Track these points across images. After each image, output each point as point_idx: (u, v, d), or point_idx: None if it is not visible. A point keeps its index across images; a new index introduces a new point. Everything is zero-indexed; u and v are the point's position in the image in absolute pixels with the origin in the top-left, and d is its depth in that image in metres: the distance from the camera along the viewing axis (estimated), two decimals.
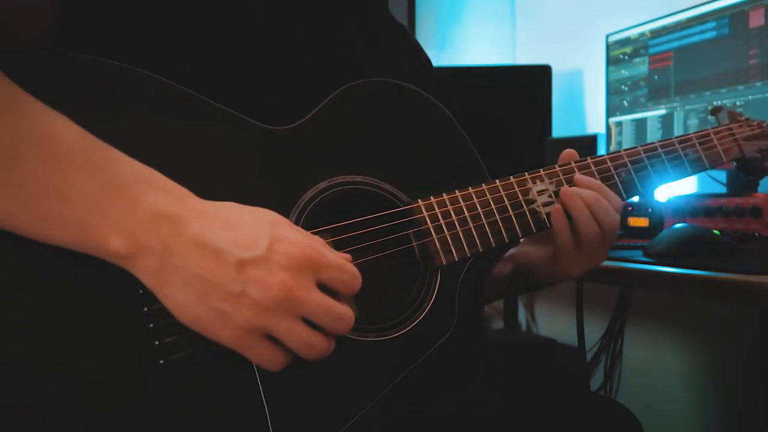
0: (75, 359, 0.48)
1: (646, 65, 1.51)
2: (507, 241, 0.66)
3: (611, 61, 1.62)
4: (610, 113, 1.63)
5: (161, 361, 0.50)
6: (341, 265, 0.51)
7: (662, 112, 1.47)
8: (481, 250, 0.64)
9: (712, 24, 1.34)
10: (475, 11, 2.53)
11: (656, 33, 1.49)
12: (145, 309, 0.50)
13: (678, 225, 1.04)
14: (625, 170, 0.73)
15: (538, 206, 0.68)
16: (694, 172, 0.77)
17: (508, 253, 0.79)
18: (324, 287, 0.51)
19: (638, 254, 1.00)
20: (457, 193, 0.65)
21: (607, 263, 0.85)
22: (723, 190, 1.26)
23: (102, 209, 0.47)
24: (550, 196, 0.69)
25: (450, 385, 0.61)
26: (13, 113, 0.47)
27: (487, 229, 0.65)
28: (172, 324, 0.49)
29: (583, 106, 2.01)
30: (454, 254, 0.63)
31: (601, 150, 1.69)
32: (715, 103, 1.34)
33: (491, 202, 0.66)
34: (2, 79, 0.48)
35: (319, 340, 0.50)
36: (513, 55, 2.32)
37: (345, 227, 0.60)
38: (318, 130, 0.61)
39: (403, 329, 0.59)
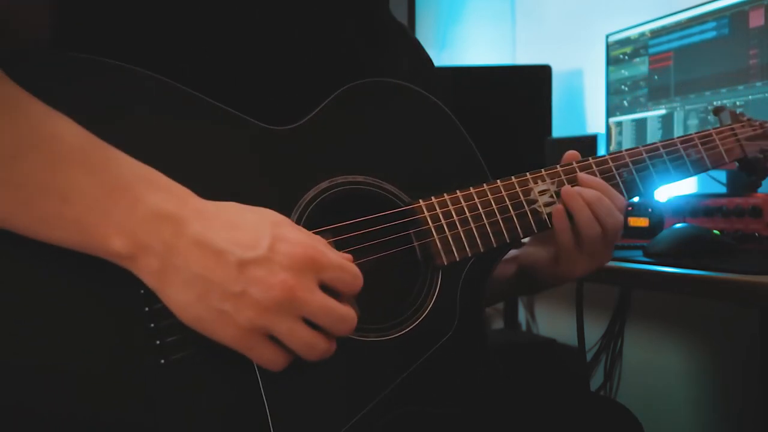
0: (75, 359, 0.48)
1: (646, 65, 1.51)
2: (508, 241, 0.66)
3: (611, 61, 1.62)
4: (610, 113, 1.63)
5: (162, 361, 0.50)
6: (343, 265, 0.51)
7: (662, 112, 1.47)
8: (482, 250, 0.64)
9: (712, 24, 1.34)
10: (475, 11, 2.53)
11: (656, 33, 1.49)
12: (147, 309, 0.50)
13: (678, 225, 1.04)
14: (627, 170, 0.73)
15: (540, 206, 0.68)
16: (696, 173, 0.77)
17: (512, 255, 0.79)
18: (326, 288, 0.51)
19: (638, 254, 1.00)
20: (459, 192, 0.65)
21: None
22: (723, 190, 1.26)
23: (103, 209, 0.47)
24: (551, 196, 0.69)
25: (451, 385, 0.61)
26: (14, 113, 0.47)
27: (489, 229, 0.65)
28: (174, 324, 0.49)
29: (583, 106, 2.01)
30: (456, 254, 0.63)
31: (601, 150, 1.69)
32: (715, 103, 1.34)
33: (492, 202, 0.66)
34: (3, 79, 0.48)
35: (320, 341, 0.50)
36: (513, 55, 2.32)
37: (346, 227, 0.60)
38: (319, 130, 0.61)
39: (404, 329, 0.59)
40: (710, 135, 0.79)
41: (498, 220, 0.66)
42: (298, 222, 0.57)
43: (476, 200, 0.65)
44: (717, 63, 1.33)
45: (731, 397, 1.54)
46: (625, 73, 1.58)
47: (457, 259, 0.63)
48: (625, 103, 1.58)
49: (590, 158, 0.72)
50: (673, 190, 1.27)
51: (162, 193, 0.49)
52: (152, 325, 0.50)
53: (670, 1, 1.55)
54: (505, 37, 2.35)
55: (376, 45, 0.73)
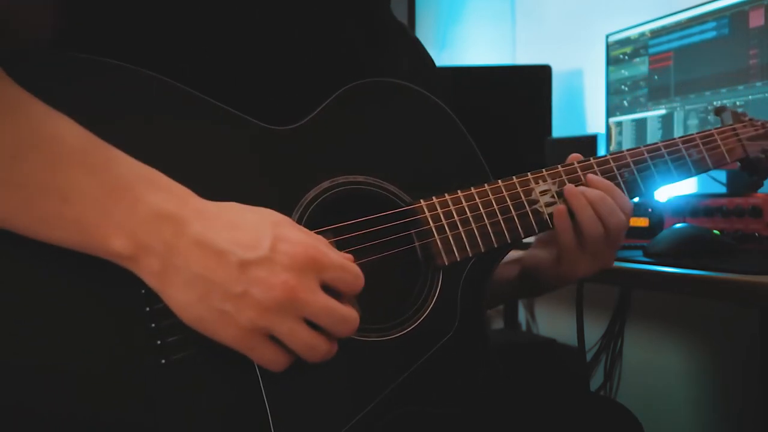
0: (75, 359, 0.48)
1: (646, 65, 1.51)
2: (509, 241, 0.66)
3: (611, 61, 1.62)
4: (610, 113, 1.63)
5: (163, 361, 0.50)
6: (344, 264, 0.51)
7: (662, 112, 1.47)
8: (483, 250, 0.64)
9: (712, 24, 1.34)
10: (475, 11, 2.53)
11: (656, 33, 1.49)
12: (148, 309, 0.50)
13: (678, 225, 1.04)
14: (628, 170, 0.73)
15: (541, 206, 0.68)
16: (697, 173, 0.77)
17: (515, 257, 0.79)
18: (327, 288, 0.50)
19: (638, 254, 1.00)
20: (460, 193, 0.65)
21: None
22: (723, 190, 1.26)
23: (103, 209, 0.47)
24: (552, 197, 0.69)
25: (451, 385, 0.61)
26: (15, 113, 0.47)
27: (489, 230, 0.65)
28: (175, 324, 0.49)
29: (583, 106, 2.01)
30: (456, 254, 0.63)
31: (601, 150, 1.69)
32: (715, 103, 1.34)
33: (493, 202, 0.66)
34: (4, 79, 0.48)
35: (321, 342, 0.50)
36: (513, 55, 2.32)
37: (347, 227, 0.60)
38: (320, 130, 0.61)
39: (405, 329, 0.59)
40: (712, 135, 0.79)
41: (499, 220, 0.66)
42: (299, 222, 0.57)
43: (477, 200, 0.65)
44: (717, 63, 1.33)
45: (731, 397, 1.54)
46: (625, 73, 1.58)
47: (458, 259, 0.63)
48: (625, 103, 1.58)
49: (592, 158, 0.72)
50: (673, 190, 1.27)
51: (162, 193, 0.49)
52: (153, 324, 0.50)
53: (670, 1, 1.55)
54: (505, 37, 2.35)
55: (376, 45, 0.73)
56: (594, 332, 1.68)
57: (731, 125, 0.83)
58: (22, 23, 0.52)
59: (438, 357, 0.60)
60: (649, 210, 1.18)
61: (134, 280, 0.49)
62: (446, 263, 0.63)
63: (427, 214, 0.63)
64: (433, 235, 0.63)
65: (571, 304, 1.50)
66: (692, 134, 0.78)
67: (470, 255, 0.64)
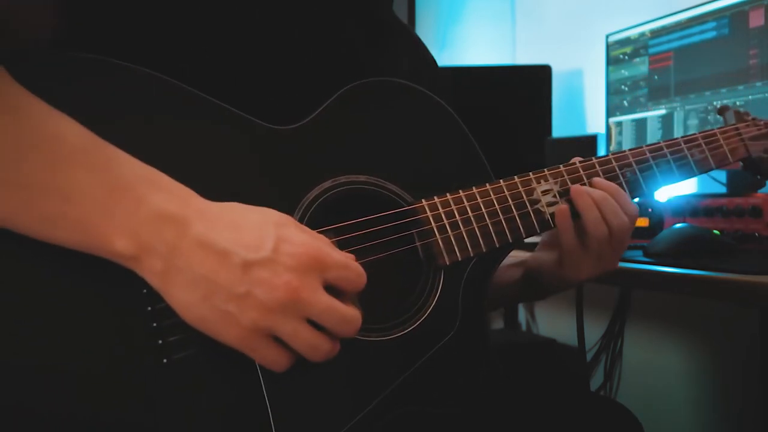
0: (76, 359, 0.48)
1: (646, 65, 1.51)
2: (511, 240, 0.66)
3: (611, 61, 1.62)
4: (610, 113, 1.63)
5: (164, 360, 0.50)
6: (347, 263, 0.51)
7: (662, 112, 1.47)
8: (484, 250, 0.64)
9: (712, 24, 1.34)
10: (475, 11, 2.53)
11: (656, 33, 1.49)
12: (149, 308, 0.50)
13: (678, 225, 1.04)
14: (630, 170, 0.72)
15: (542, 206, 0.68)
16: (699, 173, 0.77)
17: (519, 259, 0.79)
18: (330, 288, 0.51)
19: (638, 254, 1.00)
20: (461, 193, 0.65)
21: None
22: (723, 190, 1.26)
23: (105, 209, 0.47)
24: (554, 196, 0.69)
25: (452, 385, 0.61)
26: (16, 113, 0.47)
27: (491, 230, 0.65)
28: (176, 323, 0.49)
29: (583, 106, 2.01)
30: (458, 254, 0.63)
31: (601, 150, 1.69)
32: (715, 103, 1.34)
33: (495, 202, 0.66)
34: (6, 79, 0.48)
35: (323, 341, 0.50)
36: (513, 55, 2.32)
37: (348, 227, 0.60)
38: (322, 129, 0.61)
39: (406, 329, 0.59)
40: (714, 135, 0.79)
41: (500, 219, 0.66)
42: (300, 221, 0.57)
43: (479, 200, 0.65)
44: (717, 63, 1.33)
45: (731, 397, 1.54)
46: (625, 73, 1.58)
47: (460, 259, 0.63)
48: (625, 103, 1.58)
49: (593, 158, 0.72)
50: (673, 190, 1.27)
51: (164, 194, 0.49)
52: (154, 324, 0.50)
53: (670, 1, 1.55)
54: (505, 37, 2.35)
55: (376, 45, 0.73)
56: (594, 332, 1.68)
57: (734, 125, 0.83)
58: (22, 23, 0.52)
59: (439, 357, 0.60)
60: (649, 210, 1.18)
61: (135, 280, 0.49)
62: (447, 263, 0.63)
63: (429, 213, 0.63)
64: (435, 235, 0.63)
65: (571, 304, 1.50)
66: (694, 134, 0.78)
67: (471, 255, 0.64)
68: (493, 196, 0.66)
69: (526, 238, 0.67)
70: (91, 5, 0.56)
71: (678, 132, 1.43)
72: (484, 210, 0.65)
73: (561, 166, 0.71)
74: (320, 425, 0.54)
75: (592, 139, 1.69)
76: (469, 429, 0.67)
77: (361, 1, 0.73)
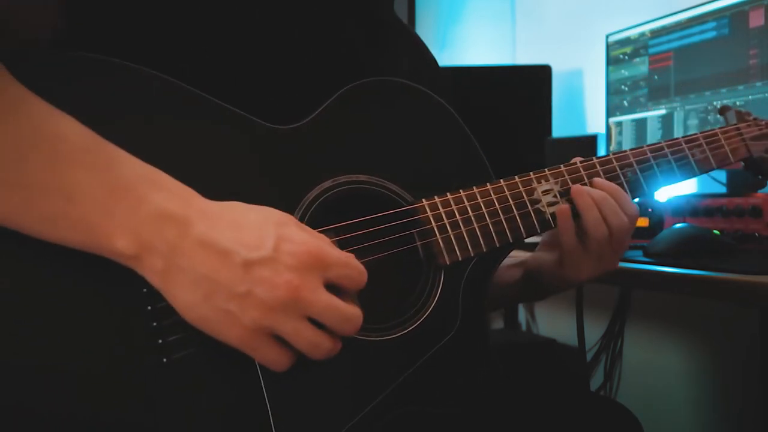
0: (76, 359, 0.48)
1: (646, 65, 1.51)
2: (511, 240, 0.66)
3: (611, 61, 1.62)
4: (610, 113, 1.63)
5: (164, 360, 0.50)
6: (348, 261, 0.51)
7: (662, 112, 1.47)
8: (484, 250, 0.64)
9: (712, 24, 1.34)
10: (475, 11, 2.54)
11: (656, 33, 1.49)
12: (149, 308, 0.50)
13: (678, 225, 1.04)
14: (631, 170, 0.72)
15: (543, 206, 0.68)
16: (701, 173, 0.77)
17: (519, 260, 0.79)
18: (330, 286, 0.51)
19: (638, 254, 1.00)
20: (462, 192, 0.65)
21: None
22: (723, 190, 1.26)
23: (106, 209, 0.47)
24: (555, 196, 0.69)
25: (452, 385, 0.61)
26: (18, 113, 0.47)
27: (491, 229, 0.65)
28: (176, 322, 0.49)
29: (583, 106, 2.01)
30: (458, 254, 0.63)
31: (601, 150, 1.69)
32: (715, 103, 1.34)
33: (495, 202, 0.66)
34: (7, 79, 0.48)
35: (325, 340, 0.50)
36: (513, 55, 2.32)
37: (349, 227, 0.60)
38: (323, 129, 0.61)
39: (407, 329, 0.59)
40: (715, 135, 0.79)
41: (501, 219, 0.66)
42: (300, 221, 0.57)
43: (479, 200, 0.65)
44: (717, 63, 1.33)
45: (731, 397, 1.54)
46: (625, 73, 1.58)
47: (460, 259, 0.63)
48: (625, 103, 1.58)
49: (594, 158, 0.72)
50: (673, 190, 1.27)
51: (165, 193, 0.49)
52: (154, 323, 0.50)
53: (670, 1, 1.55)
54: (505, 37, 2.35)
55: (376, 45, 0.73)
56: (594, 332, 1.68)
57: (735, 125, 0.82)
58: (22, 23, 0.52)
59: (439, 357, 0.60)
60: (649, 210, 1.18)
61: (135, 279, 0.49)
62: (448, 263, 0.63)
63: (429, 213, 0.63)
64: (435, 235, 0.63)
65: (571, 304, 1.50)
66: (695, 134, 0.78)
67: (472, 254, 0.64)
68: (493, 196, 0.66)
69: (526, 238, 0.67)
70: (91, 5, 0.56)
71: (678, 132, 1.43)
72: (484, 210, 0.65)
73: (562, 165, 0.71)
74: (320, 425, 0.54)
75: (592, 139, 1.69)
76: (469, 429, 0.67)
77: (361, 1, 0.73)
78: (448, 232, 0.63)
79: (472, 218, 0.64)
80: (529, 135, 1.84)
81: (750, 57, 1.26)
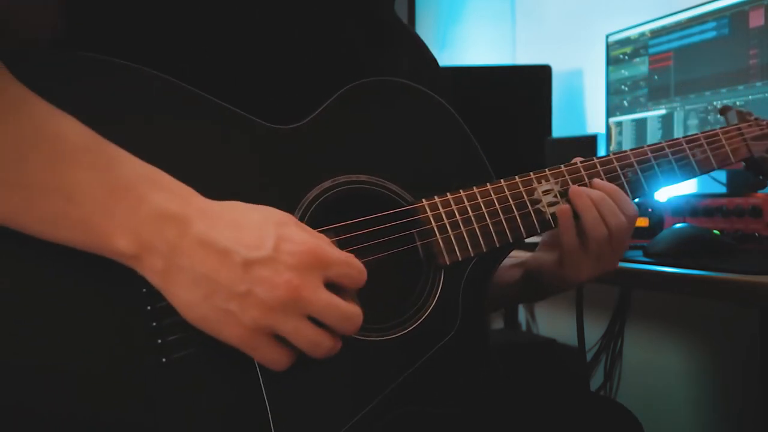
0: (76, 359, 0.48)
1: (646, 65, 1.51)
2: (511, 240, 0.66)
3: (611, 61, 1.62)
4: (610, 113, 1.63)
5: (164, 360, 0.50)
6: (347, 260, 0.51)
7: (662, 112, 1.47)
8: (485, 250, 0.64)
9: (712, 24, 1.34)
10: (475, 11, 2.54)
11: (656, 33, 1.49)
12: (149, 307, 0.50)
13: (678, 225, 1.04)
14: (632, 170, 0.72)
15: (543, 206, 0.68)
16: (701, 173, 0.76)
17: (519, 260, 0.79)
18: (330, 286, 0.51)
19: (638, 254, 1.00)
20: (462, 192, 0.65)
21: None
22: (723, 190, 1.26)
23: (107, 209, 0.47)
24: (555, 196, 0.69)
25: (452, 385, 0.61)
26: (18, 112, 0.47)
27: (491, 229, 0.65)
28: (176, 322, 0.49)
29: (583, 106, 2.01)
30: (458, 254, 0.63)
31: (601, 150, 1.69)
32: (715, 103, 1.34)
33: (495, 202, 0.66)
34: (8, 79, 0.48)
35: (325, 338, 0.50)
36: (513, 55, 2.32)
37: (349, 227, 0.60)
38: (323, 129, 0.61)
39: (406, 329, 0.59)
40: (716, 135, 0.79)
41: (501, 219, 0.66)
42: (300, 221, 0.57)
43: (479, 200, 0.65)
44: (717, 63, 1.33)
45: (731, 397, 1.54)
46: (625, 73, 1.58)
47: (460, 259, 0.63)
48: (625, 103, 1.58)
49: (595, 158, 0.72)
50: (673, 190, 1.27)
51: (165, 193, 0.49)
52: (154, 323, 0.50)
53: (670, 1, 1.55)
54: (505, 37, 2.35)
55: (376, 45, 0.73)
56: (594, 332, 1.68)
57: (736, 125, 0.82)
58: (22, 23, 0.52)
59: (439, 357, 0.60)
60: (649, 210, 1.18)
61: (135, 279, 0.49)
62: (448, 263, 0.63)
63: (429, 213, 0.63)
64: (435, 235, 0.63)
65: (571, 304, 1.50)
66: (696, 134, 0.77)
67: (472, 254, 0.64)
68: (493, 196, 0.66)
69: (526, 238, 0.67)
70: (91, 5, 0.56)
71: (678, 132, 1.43)
72: (484, 210, 0.65)
73: (562, 166, 0.71)
74: (320, 425, 0.54)
75: (592, 139, 1.69)
76: (469, 429, 0.67)
77: (361, 1, 0.73)
78: (448, 232, 0.63)
79: (472, 218, 0.64)
80: (529, 135, 1.84)
81: (750, 57, 1.26)
